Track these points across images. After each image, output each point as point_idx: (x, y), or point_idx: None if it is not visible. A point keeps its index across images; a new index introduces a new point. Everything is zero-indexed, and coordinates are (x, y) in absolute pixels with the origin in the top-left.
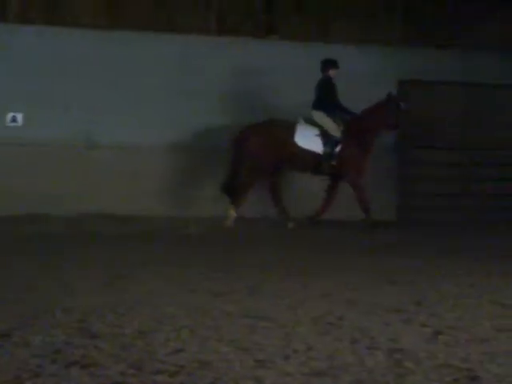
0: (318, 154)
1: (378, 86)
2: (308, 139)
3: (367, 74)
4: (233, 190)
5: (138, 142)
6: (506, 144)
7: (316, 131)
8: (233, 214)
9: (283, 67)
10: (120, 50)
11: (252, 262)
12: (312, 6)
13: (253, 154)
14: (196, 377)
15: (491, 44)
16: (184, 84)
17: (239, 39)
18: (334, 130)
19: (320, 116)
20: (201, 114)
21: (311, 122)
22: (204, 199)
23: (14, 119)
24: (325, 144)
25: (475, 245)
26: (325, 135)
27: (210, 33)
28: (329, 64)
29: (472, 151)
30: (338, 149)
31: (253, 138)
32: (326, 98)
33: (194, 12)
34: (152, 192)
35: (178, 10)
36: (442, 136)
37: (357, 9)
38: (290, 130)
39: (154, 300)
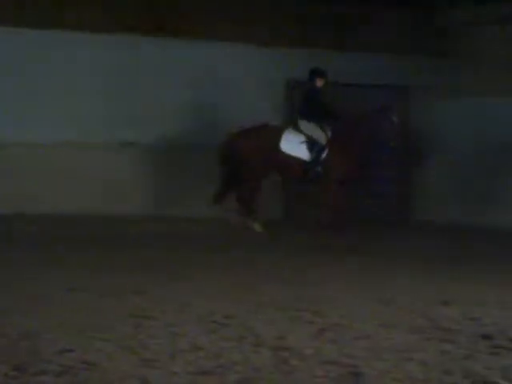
0: (304, 161)
1: (265, 86)
2: (294, 146)
3: (254, 74)
4: (224, 198)
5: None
6: None
7: (302, 138)
8: (257, 227)
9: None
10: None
11: (139, 262)
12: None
13: (242, 158)
14: (82, 377)
15: (375, 46)
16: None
17: (131, 36)
18: (320, 136)
19: (306, 125)
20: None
21: (298, 130)
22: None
23: None
24: (310, 150)
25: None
26: (311, 142)
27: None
28: (316, 73)
29: None
30: (324, 155)
31: (242, 142)
32: (313, 109)
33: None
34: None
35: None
36: None
37: (241, 8)
38: (278, 136)
39: (40, 300)
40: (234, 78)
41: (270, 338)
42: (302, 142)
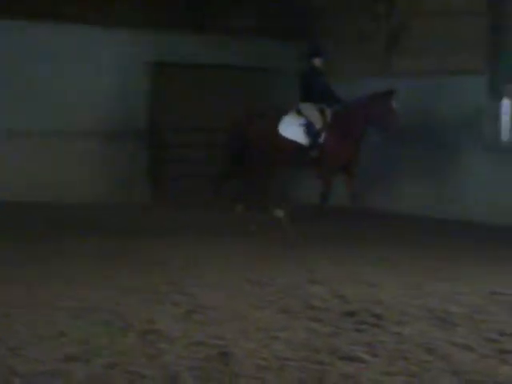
0: (300, 145)
1: (126, 68)
2: (291, 129)
3: (114, 56)
4: (227, 177)
5: None
6: None
7: (301, 121)
8: (278, 212)
9: None
10: None
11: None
12: None
13: (244, 142)
14: None
15: (244, 29)
16: None
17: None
18: (317, 120)
19: (306, 107)
20: None
21: (299, 113)
22: None
23: None
24: (307, 134)
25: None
26: (308, 126)
27: None
28: (313, 53)
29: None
30: (320, 140)
31: (244, 126)
32: (312, 90)
33: None
34: None
35: None
36: (190, 118)
37: None
38: (278, 119)
39: None
40: (95, 62)
41: (137, 322)
42: (300, 126)
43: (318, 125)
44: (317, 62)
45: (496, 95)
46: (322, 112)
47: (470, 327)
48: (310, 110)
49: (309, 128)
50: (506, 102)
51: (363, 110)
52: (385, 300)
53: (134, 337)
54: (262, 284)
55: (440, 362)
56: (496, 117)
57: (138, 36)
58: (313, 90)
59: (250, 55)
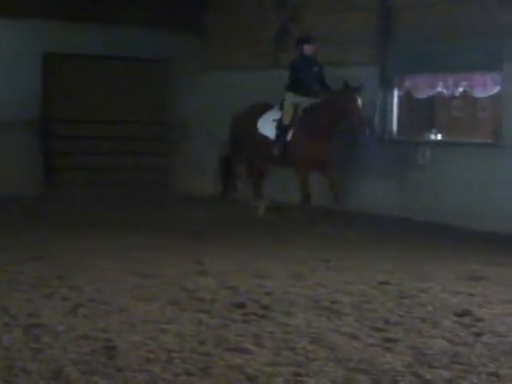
0: (272, 141)
1: (18, 59)
2: (266, 124)
3: (6, 46)
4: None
5: None
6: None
7: (276, 115)
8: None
9: None
10: None
11: None
12: None
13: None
14: None
15: (140, 20)
16: None
17: None
18: (287, 114)
19: (288, 98)
20: None
21: (281, 107)
22: None
23: None
24: (276, 130)
25: (134, 218)
26: (279, 121)
27: None
28: (302, 40)
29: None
30: (287, 137)
31: (233, 123)
32: (298, 79)
33: None
34: None
35: None
36: (85, 109)
37: None
38: (260, 114)
39: None
40: None
41: (22, 317)
42: (274, 121)
43: (286, 119)
44: (306, 49)
45: (388, 87)
46: (295, 107)
47: (357, 316)
48: (287, 105)
49: (279, 124)
50: (396, 93)
51: (327, 106)
52: (274, 291)
53: (18, 331)
54: (149, 276)
55: (326, 351)
56: (387, 108)
57: (30, 25)
58: (302, 80)
59: (147, 46)
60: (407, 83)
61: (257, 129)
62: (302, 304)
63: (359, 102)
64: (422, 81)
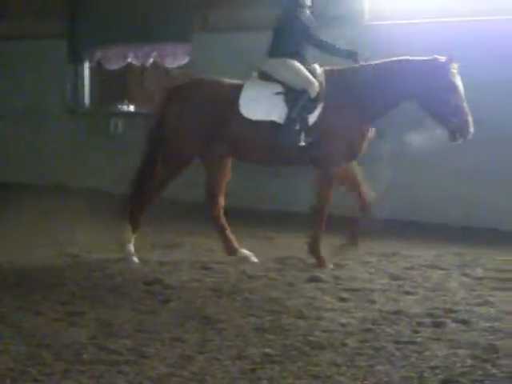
0: (277, 126)
1: None
2: (262, 104)
3: None
4: None
5: None
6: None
7: (277, 88)
8: None
9: None
10: None
11: None
12: None
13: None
14: None
15: None
16: None
17: None
18: (306, 82)
19: (280, 64)
20: None
21: (267, 78)
22: None
23: None
24: (290, 109)
25: None
26: (290, 94)
27: None
28: None
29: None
30: (314, 116)
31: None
32: (293, 36)
33: None
34: None
35: None
36: None
37: None
38: (232, 92)
39: None
40: None
41: None
42: (278, 95)
43: (312, 90)
44: None
45: (77, 59)
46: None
47: (44, 292)
48: (291, 68)
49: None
50: (87, 65)
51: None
52: None
53: None
54: None
55: (10, 329)
56: (78, 80)
57: None
58: (295, 39)
59: None
60: (98, 54)
61: (241, 115)
62: None
63: None
64: (113, 52)
